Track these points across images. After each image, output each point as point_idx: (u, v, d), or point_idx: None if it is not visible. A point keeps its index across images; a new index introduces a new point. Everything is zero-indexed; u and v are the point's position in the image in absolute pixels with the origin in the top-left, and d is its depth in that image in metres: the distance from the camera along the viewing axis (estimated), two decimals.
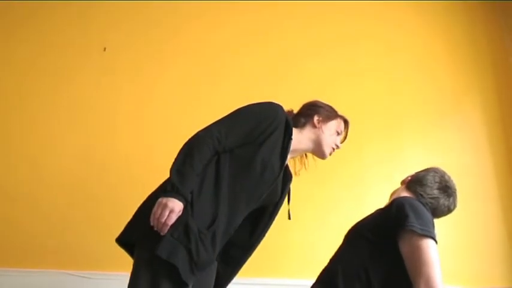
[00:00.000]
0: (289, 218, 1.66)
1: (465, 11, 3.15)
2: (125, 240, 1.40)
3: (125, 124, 2.49)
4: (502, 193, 2.76)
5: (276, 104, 1.55)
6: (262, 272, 2.27)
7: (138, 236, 1.35)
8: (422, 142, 2.77)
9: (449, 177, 1.70)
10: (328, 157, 1.69)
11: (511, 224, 2.70)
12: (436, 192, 1.65)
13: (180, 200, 1.30)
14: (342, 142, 1.74)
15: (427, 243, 1.38)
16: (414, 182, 1.69)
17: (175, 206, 1.29)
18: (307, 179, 2.50)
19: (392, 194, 1.76)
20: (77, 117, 2.46)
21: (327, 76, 2.77)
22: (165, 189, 1.33)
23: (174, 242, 1.28)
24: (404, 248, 1.41)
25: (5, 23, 2.55)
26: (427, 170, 1.73)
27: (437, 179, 1.67)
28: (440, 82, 2.95)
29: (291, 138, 1.53)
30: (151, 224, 1.30)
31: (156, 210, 1.29)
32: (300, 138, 1.63)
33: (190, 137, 1.44)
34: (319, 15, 2.92)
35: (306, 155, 1.75)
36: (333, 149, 1.70)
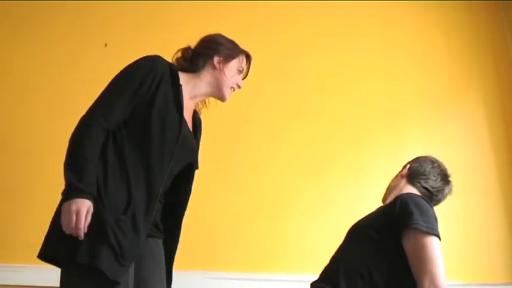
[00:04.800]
0: (197, 167, 1.53)
1: (466, 7, 3.13)
2: (46, 255, 1.24)
3: None
4: (503, 187, 2.75)
5: (153, 55, 1.43)
6: (258, 267, 2.28)
7: (55, 249, 1.22)
8: (422, 136, 2.76)
9: (442, 163, 1.71)
10: (228, 98, 1.57)
11: None
12: (440, 184, 1.66)
13: (84, 197, 1.18)
14: (243, 79, 1.60)
15: (432, 241, 1.39)
16: (415, 176, 1.67)
17: (80, 207, 1.16)
18: (306, 172, 2.54)
19: (389, 187, 1.75)
20: (78, 114, 2.45)
21: (327, 71, 2.76)
22: (64, 193, 1.20)
23: (90, 243, 1.16)
24: (408, 245, 1.41)
25: (7, 19, 2.54)
26: (423, 160, 1.71)
27: (438, 171, 1.68)
28: (441, 77, 2.93)
29: (180, 84, 1.41)
30: (67, 233, 1.17)
31: (63, 218, 1.17)
32: (198, 83, 1.50)
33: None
34: (321, 11, 2.91)
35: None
36: (233, 89, 1.57)
